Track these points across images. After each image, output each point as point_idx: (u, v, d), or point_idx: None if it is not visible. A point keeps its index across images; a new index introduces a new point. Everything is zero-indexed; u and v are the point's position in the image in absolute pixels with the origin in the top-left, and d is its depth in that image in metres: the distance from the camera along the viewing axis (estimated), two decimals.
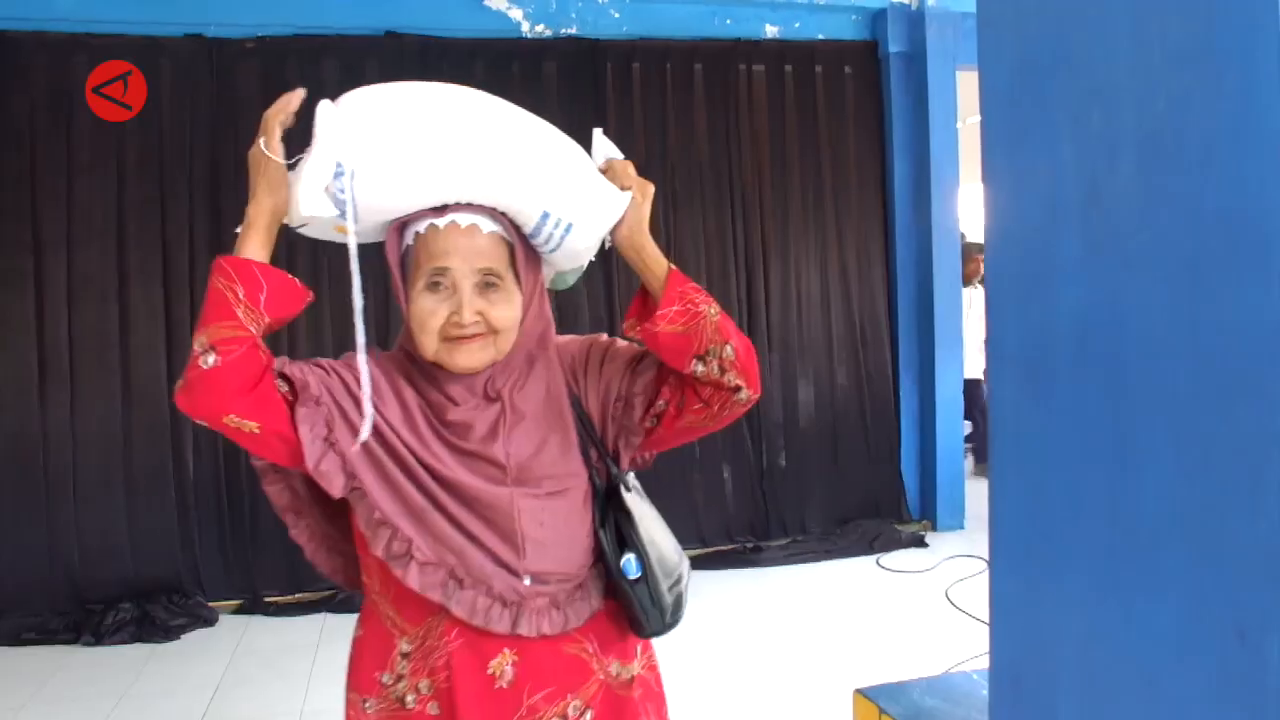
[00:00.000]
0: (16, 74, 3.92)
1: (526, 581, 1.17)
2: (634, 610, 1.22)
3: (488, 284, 1.16)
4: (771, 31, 4.82)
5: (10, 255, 3.97)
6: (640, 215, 1.22)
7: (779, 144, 4.83)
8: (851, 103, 4.94)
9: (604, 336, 1.33)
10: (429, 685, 1.18)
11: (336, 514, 1.25)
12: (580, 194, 1.18)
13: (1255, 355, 0.67)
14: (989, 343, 0.96)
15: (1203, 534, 0.72)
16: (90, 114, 3.95)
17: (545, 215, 1.17)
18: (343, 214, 1.13)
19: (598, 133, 1.26)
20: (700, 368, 1.19)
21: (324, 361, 1.19)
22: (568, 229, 1.18)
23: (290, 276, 1.14)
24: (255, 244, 1.12)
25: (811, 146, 4.87)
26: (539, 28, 4.45)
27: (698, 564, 3.87)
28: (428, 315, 1.15)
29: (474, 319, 1.15)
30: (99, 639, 3.75)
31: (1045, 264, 0.87)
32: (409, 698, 1.19)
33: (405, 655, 1.19)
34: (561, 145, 1.20)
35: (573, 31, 4.50)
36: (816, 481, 4.87)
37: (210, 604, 4.03)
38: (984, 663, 1.15)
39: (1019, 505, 0.91)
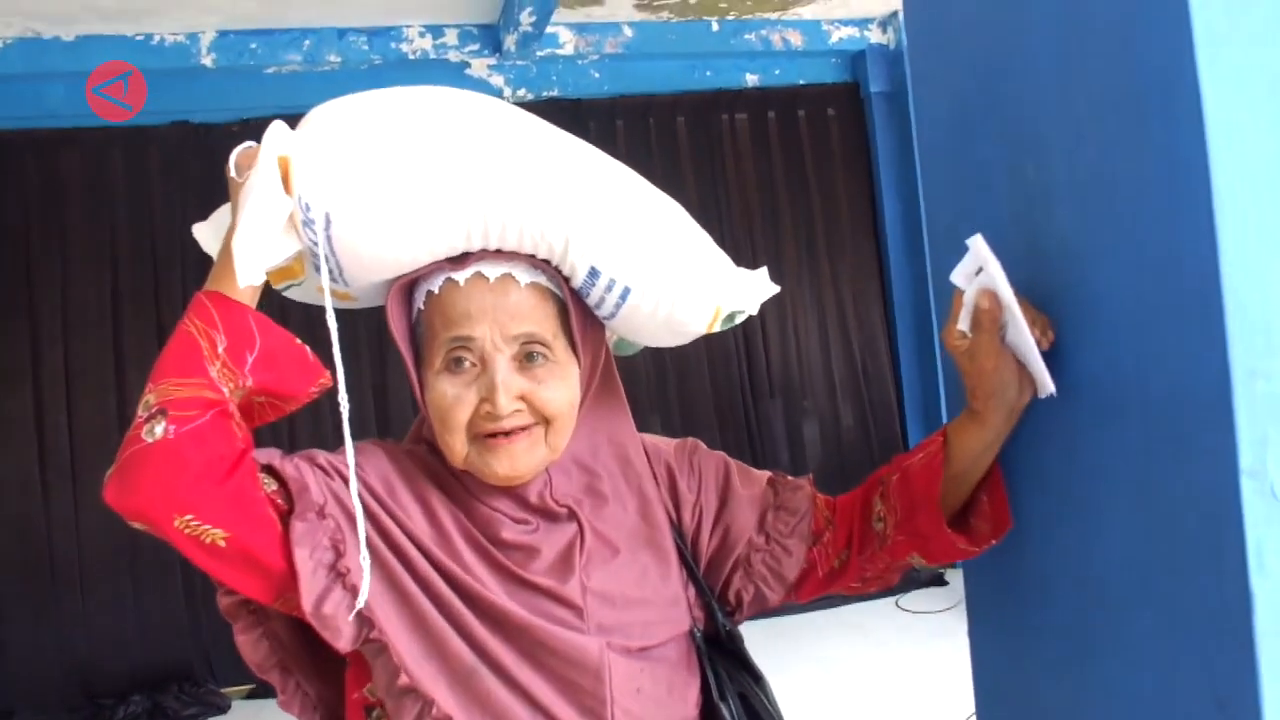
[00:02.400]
0: (11, 171, 3.98)
1: None
2: None
3: (530, 355, 0.85)
4: (752, 80, 4.86)
5: (7, 349, 3.99)
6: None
7: (767, 188, 4.84)
8: (837, 144, 4.96)
9: (700, 442, 1.01)
10: None
11: (327, 667, 0.92)
12: (646, 250, 0.87)
13: (1204, 408, 0.64)
14: (949, 401, 0.93)
15: (1170, 598, 0.68)
16: (82, 207, 4.01)
17: (594, 272, 0.86)
18: (318, 269, 0.85)
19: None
20: (918, 562, 0.90)
21: (321, 456, 0.87)
22: (623, 295, 0.88)
23: (300, 343, 0.85)
24: (236, 284, 0.80)
25: (800, 189, 4.89)
26: (520, 92, 4.50)
27: None
28: (450, 407, 0.84)
29: (514, 406, 0.84)
30: None
31: None
32: None
33: None
34: (621, 178, 0.90)
35: (554, 94, 4.55)
36: None
37: (222, 690, 3.97)
38: None
39: (991, 571, 0.88)
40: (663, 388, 4.60)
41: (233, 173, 0.84)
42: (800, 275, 4.87)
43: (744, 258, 4.74)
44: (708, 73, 4.78)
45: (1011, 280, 0.77)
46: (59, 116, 3.97)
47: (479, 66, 4.42)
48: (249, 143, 0.83)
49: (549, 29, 4.19)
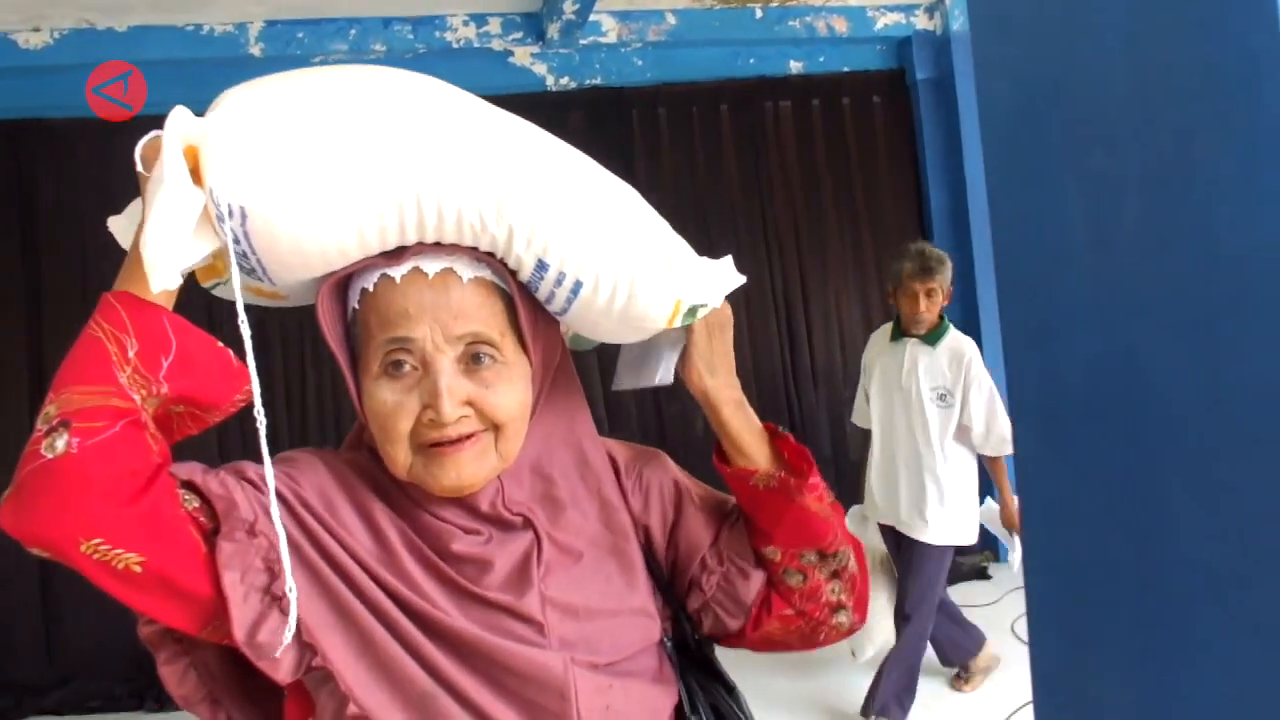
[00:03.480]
0: (65, 159, 4.05)
1: None
2: None
3: (476, 357, 0.79)
4: (796, 67, 4.82)
5: (64, 341, 4.08)
6: (716, 347, 0.88)
7: (811, 178, 4.80)
8: (882, 132, 4.90)
9: (663, 454, 0.96)
10: None
11: (261, 696, 0.84)
12: (597, 240, 0.80)
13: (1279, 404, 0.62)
14: (1010, 393, 0.92)
15: (1240, 599, 0.67)
16: (135, 195, 4.08)
17: (542, 265, 0.79)
18: (247, 271, 0.78)
19: (726, 261, 0.90)
20: (813, 561, 0.88)
21: (250, 469, 0.79)
22: (575, 289, 0.81)
23: (222, 347, 0.77)
24: (152, 287, 0.72)
25: (844, 178, 4.84)
26: (564, 80, 4.49)
27: None
28: (390, 414, 0.78)
29: (461, 412, 0.78)
30: (162, 705, 3.79)
31: (1055, 313, 0.83)
32: None
33: None
34: (568, 161, 0.81)
35: (597, 82, 4.54)
36: None
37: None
38: None
39: (1052, 572, 0.86)
40: None
41: (139, 167, 0.74)
42: (844, 265, 4.83)
43: (788, 247, 4.73)
44: (751, 60, 4.74)
45: (1078, 270, 0.75)
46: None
47: (522, 55, 4.42)
48: (155, 131, 0.74)
49: (592, 17, 4.19)
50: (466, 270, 0.80)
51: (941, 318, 3.02)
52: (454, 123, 0.76)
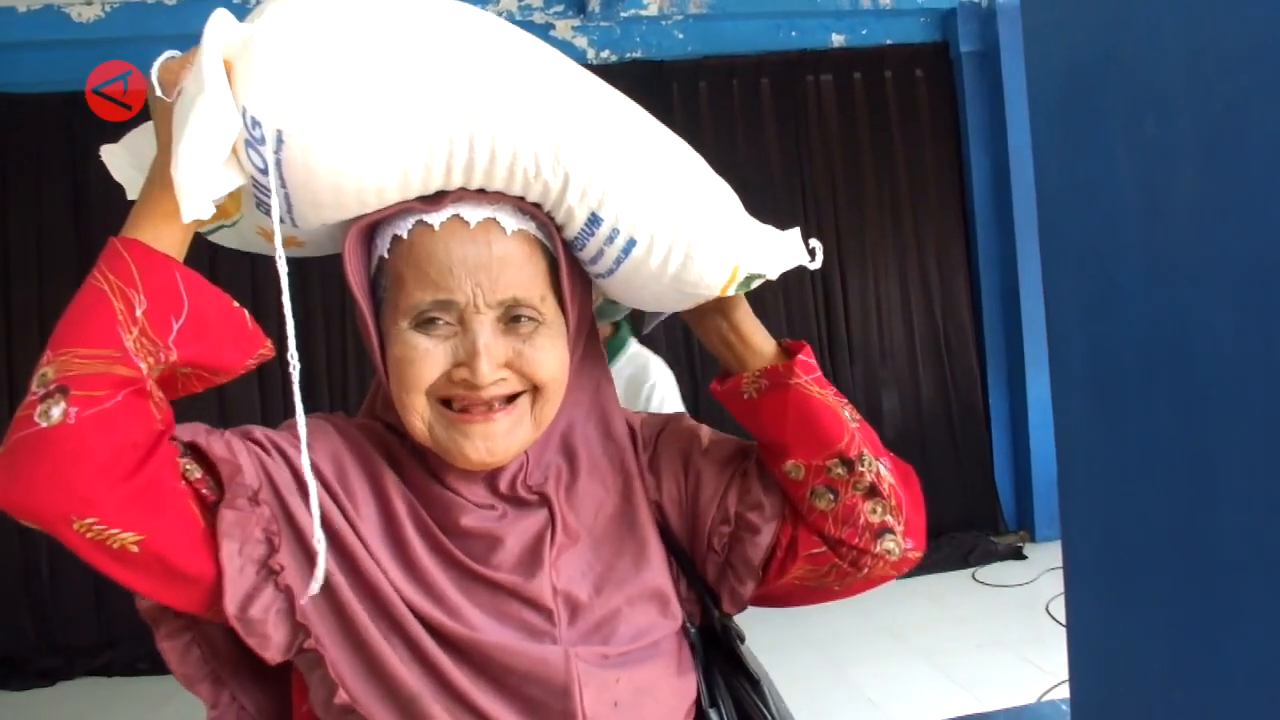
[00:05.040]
0: (118, 132, 4.14)
1: None
2: None
3: (516, 318, 0.74)
4: (838, 40, 4.76)
5: None
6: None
7: (851, 152, 4.76)
8: (925, 106, 4.84)
9: (684, 415, 0.90)
10: None
11: (268, 673, 0.77)
12: (659, 196, 0.74)
13: None
14: (1053, 365, 0.92)
15: None
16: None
17: (594, 219, 0.73)
18: (269, 209, 0.68)
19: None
20: (842, 475, 0.78)
21: (258, 432, 0.74)
22: (627, 248, 0.75)
23: (238, 306, 0.71)
24: (163, 228, 0.66)
25: (885, 153, 4.79)
26: (604, 53, 4.49)
27: None
28: (416, 361, 0.72)
29: (498, 374, 0.72)
30: None
31: (1106, 281, 0.83)
32: None
33: None
34: (633, 114, 0.76)
35: (638, 55, 4.53)
36: None
37: None
38: None
39: (1092, 535, 0.86)
40: None
41: (158, 91, 0.67)
42: (883, 241, 4.79)
43: (827, 222, 4.70)
44: (793, 33, 4.70)
45: (1128, 239, 0.75)
46: None
47: (563, 28, 4.42)
48: (171, 52, 0.68)
49: None
50: (510, 221, 0.73)
51: (617, 326, 2.15)
52: (515, 58, 0.70)
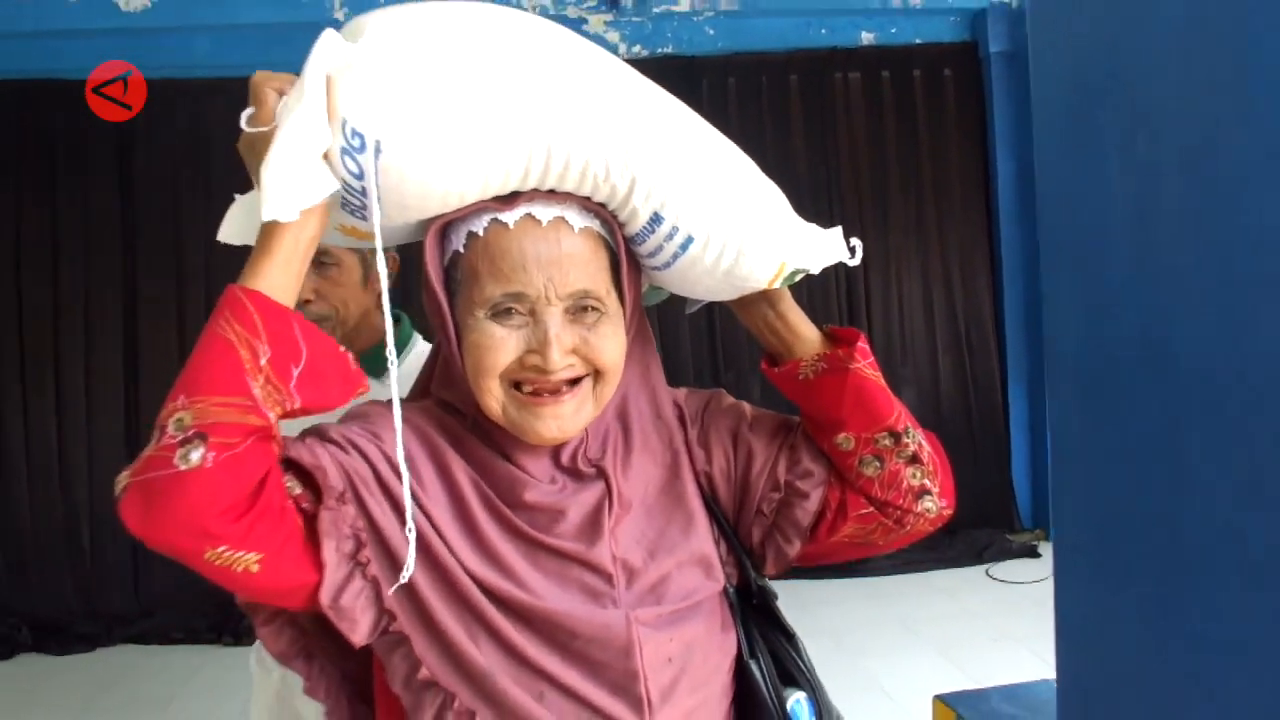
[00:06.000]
0: (162, 119, 4.25)
1: None
2: None
3: (583, 309, 0.81)
4: (867, 38, 4.79)
5: (160, 289, 4.30)
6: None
7: (878, 150, 4.79)
8: (952, 105, 4.86)
9: (723, 392, 0.97)
10: None
11: (350, 651, 0.83)
12: (715, 197, 0.82)
13: None
14: (1047, 360, 0.98)
15: (1258, 555, 0.73)
16: (227, 154, 4.25)
17: (656, 218, 0.81)
18: (356, 210, 0.76)
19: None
20: (888, 445, 0.87)
21: (333, 430, 0.80)
22: (685, 245, 0.82)
23: (343, 350, 0.76)
24: (278, 277, 0.72)
25: (912, 151, 4.81)
26: (636, 48, 4.55)
27: (805, 571, 3.88)
28: (492, 349, 0.79)
29: (566, 361, 0.79)
30: (238, 639, 4.01)
31: (1098, 285, 0.89)
32: None
33: None
34: (690, 120, 0.84)
35: (669, 50, 4.58)
36: None
37: None
38: None
39: (1080, 520, 0.93)
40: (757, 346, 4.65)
41: (243, 123, 0.74)
42: (907, 239, 4.82)
43: (851, 219, 4.73)
44: (823, 30, 4.73)
45: (1118, 246, 0.82)
46: (206, 67, 4.20)
47: (596, 23, 4.48)
48: (266, 75, 0.75)
49: None
50: (578, 220, 0.80)
51: (399, 319, 1.70)
52: (587, 72, 0.77)
